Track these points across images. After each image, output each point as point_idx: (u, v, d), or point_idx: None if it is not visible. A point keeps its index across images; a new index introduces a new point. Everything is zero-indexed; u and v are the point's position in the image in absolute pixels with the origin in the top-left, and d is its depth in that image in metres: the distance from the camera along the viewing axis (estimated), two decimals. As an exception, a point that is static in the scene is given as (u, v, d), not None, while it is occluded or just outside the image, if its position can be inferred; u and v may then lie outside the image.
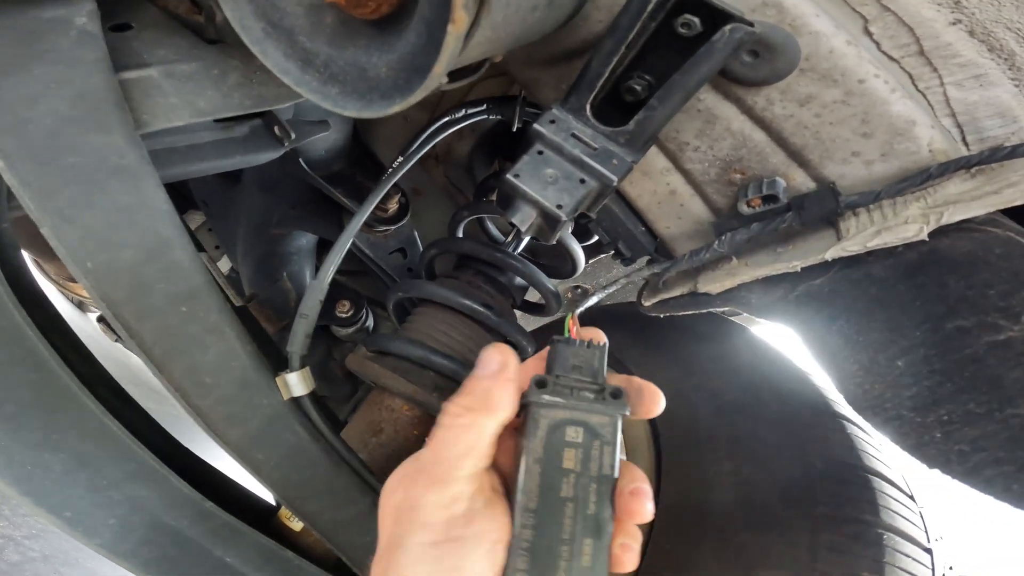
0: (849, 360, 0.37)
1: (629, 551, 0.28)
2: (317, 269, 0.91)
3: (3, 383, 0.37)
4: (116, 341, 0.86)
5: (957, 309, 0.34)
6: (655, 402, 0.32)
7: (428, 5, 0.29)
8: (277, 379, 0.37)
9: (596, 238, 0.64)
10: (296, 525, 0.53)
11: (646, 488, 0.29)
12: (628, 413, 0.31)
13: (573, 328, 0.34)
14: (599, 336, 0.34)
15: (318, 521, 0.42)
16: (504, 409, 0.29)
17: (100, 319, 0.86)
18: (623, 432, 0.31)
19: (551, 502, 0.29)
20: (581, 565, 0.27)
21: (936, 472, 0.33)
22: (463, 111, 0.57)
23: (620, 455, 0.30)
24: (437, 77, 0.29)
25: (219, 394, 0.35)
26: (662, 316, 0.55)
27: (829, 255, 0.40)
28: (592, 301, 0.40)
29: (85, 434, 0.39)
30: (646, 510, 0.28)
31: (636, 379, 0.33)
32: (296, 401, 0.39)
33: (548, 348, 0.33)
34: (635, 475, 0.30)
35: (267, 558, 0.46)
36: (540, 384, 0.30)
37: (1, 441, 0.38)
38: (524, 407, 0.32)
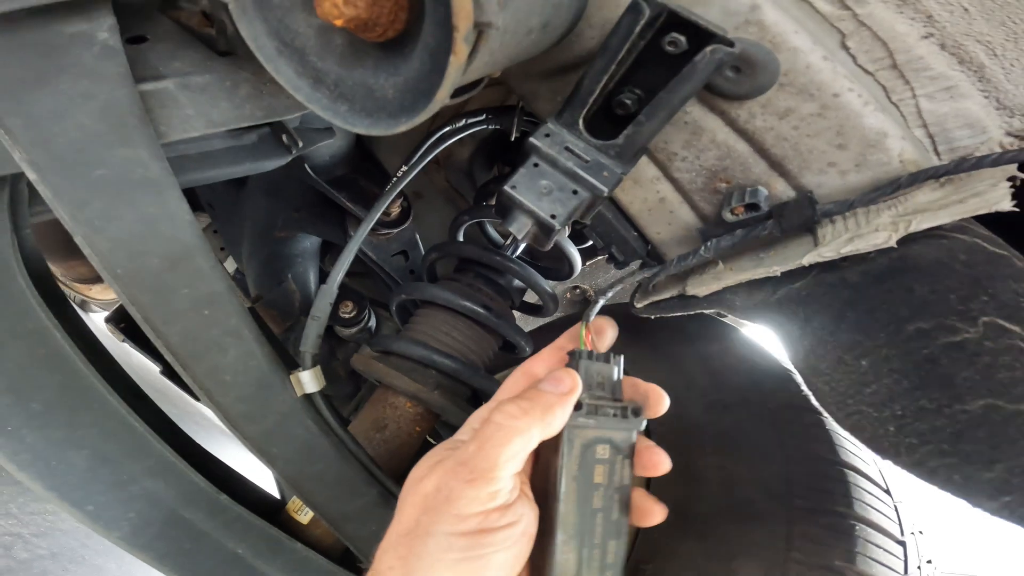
0: (820, 359, 0.40)
1: (655, 509, 0.34)
2: (321, 271, 0.93)
3: (30, 382, 0.39)
4: (123, 342, 0.88)
5: (919, 312, 0.36)
6: (660, 404, 0.35)
7: (432, 35, 0.31)
8: (291, 377, 0.40)
9: (592, 241, 0.67)
10: (304, 518, 0.56)
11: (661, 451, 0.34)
12: (644, 427, 0.35)
13: (588, 339, 0.36)
14: (609, 330, 0.36)
15: (327, 512, 0.45)
16: (557, 426, 0.32)
17: (107, 320, 0.88)
18: None
19: (586, 515, 0.33)
20: (607, 563, 0.34)
21: (889, 462, 0.36)
22: (463, 121, 0.59)
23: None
24: (440, 101, 0.31)
25: (238, 392, 0.37)
26: (653, 317, 0.58)
27: (806, 260, 0.43)
28: (599, 305, 0.43)
29: (107, 431, 0.41)
30: (663, 463, 0.34)
31: (642, 384, 0.36)
32: (308, 398, 0.42)
33: (564, 351, 0.36)
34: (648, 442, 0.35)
35: (276, 550, 0.48)
36: (576, 407, 0.33)
37: (27, 438, 0.40)
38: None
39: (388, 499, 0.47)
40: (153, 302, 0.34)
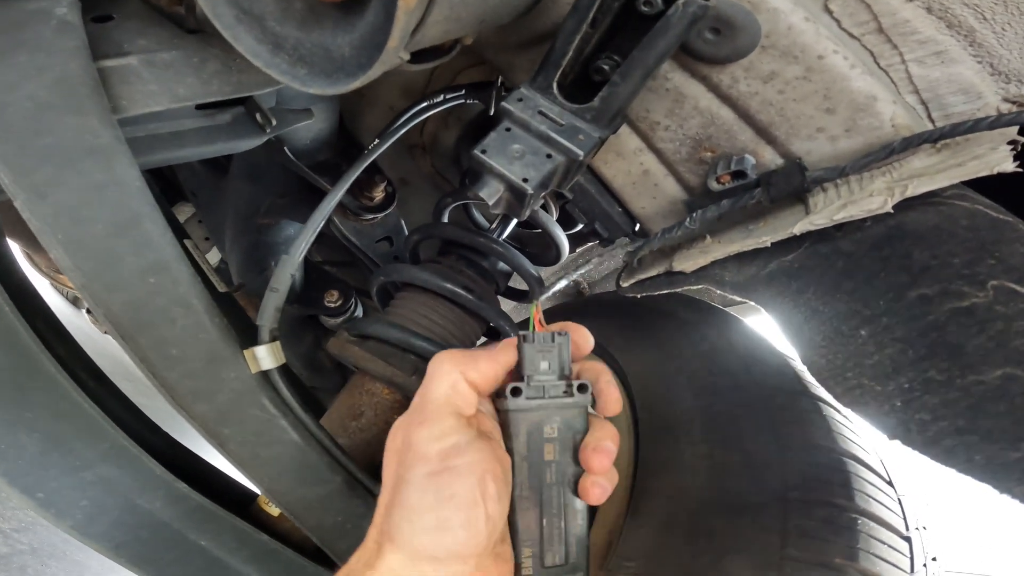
0: (815, 331, 0.38)
1: (598, 487, 0.35)
2: (305, 260, 0.91)
3: (-21, 361, 0.37)
4: (106, 333, 0.87)
5: (920, 279, 0.34)
6: (610, 407, 0.36)
7: (385, -19, 0.29)
8: (245, 352, 0.38)
9: (581, 226, 0.64)
10: (274, 511, 0.53)
11: (609, 447, 0.35)
12: (592, 404, 0.36)
13: (537, 318, 0.37)
14: (569, 328, 0.37)
15: (286, 500, 0.43)
16: (481, 377, 0.34)
17: (88, 312, 0.87)
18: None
19: (540, 491, 0.35)
20: (571, 532, 0.35)
21: (897, 443, 0.33)
22: (441, 96, 0.57)
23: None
24: (393, 51, 0.29)
25: (186, 367, 0.36)
26: (639, 297, 0.56)
27: (797, 229, 0.41)
28: (558, 287, 0.41)
29: (59, 414, 0.39)
30: (605, 467, 0.35)
31: (602, 379, 0.36)
32: (265, 376, 0.40)
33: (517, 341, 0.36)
34: (602, 434, 0.36)
35: (242, 541, 0.46)
36: (515, 392, 0.34)
37: (-23, 421, 0.38)
38: (502, 413, 0.36)
39: (355, 487, 0.44)
40: (96, 269, 0.32)
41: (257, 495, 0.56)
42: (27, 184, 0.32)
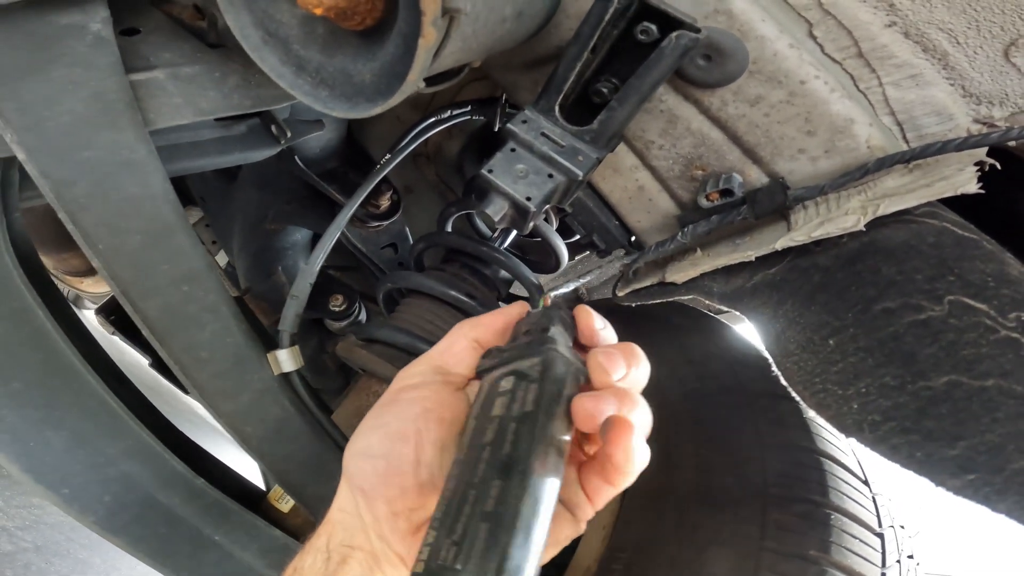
0: (790, 340, 0.41)
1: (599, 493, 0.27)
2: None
3: (11, 361, 0.39)
4: (112, 334, 0.89)
5: (886, 293, 0.37)
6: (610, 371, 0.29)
7: (405, 21, 0.32)
8: (268, 355, 0.40)
9: (579, 236, 0.67)
10: (284, 507, 0.56)
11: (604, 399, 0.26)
12: (557, 346, 0.28)
13: (548, 302, 0.36)
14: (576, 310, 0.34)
15: (301, 493, 0.45)
16: (486, 329, 0.34)
17: (98, 312, 0.89)
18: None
19: (472, 450, 0.26)
20: (484, 510, 0.23)
21: (854, 441, 0.36)
22: (448, 112, 0.60)
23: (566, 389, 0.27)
24: (412, 84, 0.32)
25: (214, 368, 0.38)
26: (634, 306, 0.59)
27: (779, 245, 0.44)
28: (570, 288, 0.44)
29: (86, 412, 0.41)
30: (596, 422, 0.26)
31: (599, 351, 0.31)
32: (285, 377, 0.42)
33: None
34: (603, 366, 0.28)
35: (253, 536, 0.48)
36: (486, 354, 0.32)
37: (7, 418, 0.40)
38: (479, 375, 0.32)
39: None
40: (133, 277, 0.35)
41: (265, 493, 0.58)
42: (69, 196, 0.35)
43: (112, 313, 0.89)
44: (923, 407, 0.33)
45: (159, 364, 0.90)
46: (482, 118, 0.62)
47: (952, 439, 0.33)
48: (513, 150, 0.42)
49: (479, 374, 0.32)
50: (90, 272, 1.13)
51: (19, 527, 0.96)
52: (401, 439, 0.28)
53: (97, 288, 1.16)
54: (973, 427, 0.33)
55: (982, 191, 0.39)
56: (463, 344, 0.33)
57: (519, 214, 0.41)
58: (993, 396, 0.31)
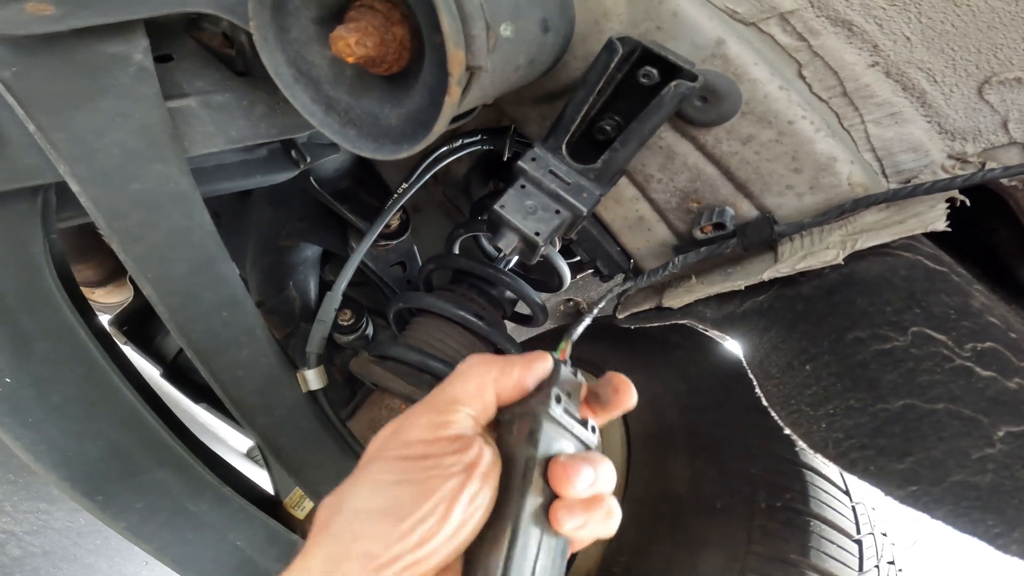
0: (772, 365, 0.44)
1: (563, 510, 0.27)
2: (320, 279, 0.97)
3: (53, 376, 0.42)
4: (125, 344, 0.91)
5: (858, 323, 0.41)
6: (628, 397, 0.33)
7: (431, 74, 0.36)
8: (297, 375, 0.43)
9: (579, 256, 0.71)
10: (300, 513, 0.59)
11: (582, 468, 0.28)
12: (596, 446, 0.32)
13: (566, 352, 0.37)
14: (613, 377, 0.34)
15: (327, 503, 0.47)
16: (514, 386, 0.30)
17: (111, 323, 0.92)
18: (600, 431, 0.34)
19: (513, 514, 0.27)
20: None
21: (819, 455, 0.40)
22: (460, 141, 0.64)
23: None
24: (437, 132, 0.36)
25: (251, 387, 0.41)
26: (632, 327, 0.62)
27: (766, 276, 0.48)
28: (586, 323, 0.47)
29: (123, 423, 0.44)
30: (568, 483, 0.27)
31: (613, 377, 0.34)
32: (312, 394, 0.45)
33: (548, 361, 0.34)
34: (585, 456, 0.29)
35: (274, 542, 0.51)
36: (558, 400, 0.31)
37: (47, 431, 0.43)
38: (523, 418, 0.31)
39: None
40: (180, 304, 0.38)
41: (279, 500, 0.61)
42: (121, 228, 0.38)
43: (125, 323, 0.92)
44: (879, 427, 0.37)
45: (169, 374, 0.92)
46: (491, 147, 0.66)
47: (901, 455, 0.37)
48: (523, 187, 0.45)
49: (527, 415, 0.31)
50: (103, 283, 1.15)
51: (27, 532, 0.97)
52: (449, 499, 0.26)
53: (109, 299, 1.18)
54: (920, 445, 0.36)
55: (949, 230, 0.43)
56: (491, 391, 0.30)
57: (528, 247, 0.45)
58: (941, 418, 0.35)
